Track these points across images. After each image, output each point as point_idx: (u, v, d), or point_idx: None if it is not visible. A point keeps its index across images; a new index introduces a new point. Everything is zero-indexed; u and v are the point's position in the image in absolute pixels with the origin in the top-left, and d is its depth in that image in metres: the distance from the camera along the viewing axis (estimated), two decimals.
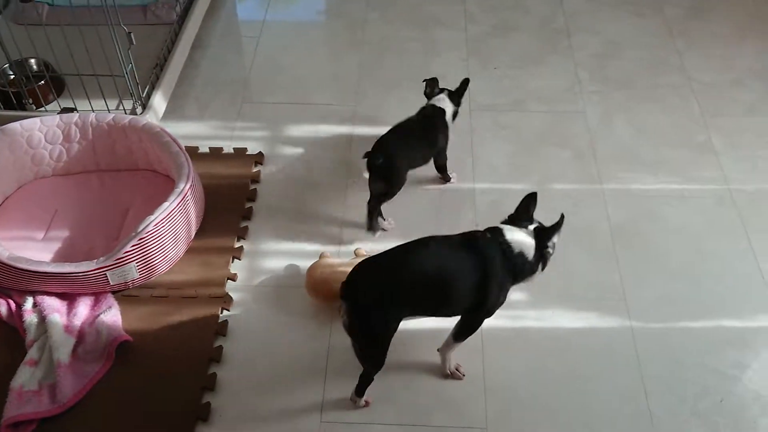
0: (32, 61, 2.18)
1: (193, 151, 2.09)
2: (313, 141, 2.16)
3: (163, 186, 1.92)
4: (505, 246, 1.44)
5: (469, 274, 1.42)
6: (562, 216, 1.46)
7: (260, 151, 2.11)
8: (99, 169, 2.01)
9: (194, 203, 1.81)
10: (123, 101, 2.08)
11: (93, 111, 2.05)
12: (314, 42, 2.53)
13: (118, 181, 1.99)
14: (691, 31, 2.54)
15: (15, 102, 2.07)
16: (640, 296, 1.75)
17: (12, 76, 2.17)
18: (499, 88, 2.33)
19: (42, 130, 1.93)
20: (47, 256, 1.78)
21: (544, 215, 1.83)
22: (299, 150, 2.13)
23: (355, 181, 2.02)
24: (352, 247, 1.85)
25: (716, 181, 2.03)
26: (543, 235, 1.47)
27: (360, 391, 1.54)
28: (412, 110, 2.20)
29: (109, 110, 2.07)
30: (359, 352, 1.47)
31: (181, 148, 1.85)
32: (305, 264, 1.75)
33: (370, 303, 1.39)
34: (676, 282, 1.78)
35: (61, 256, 1.79)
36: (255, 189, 2.00)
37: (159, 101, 2.12)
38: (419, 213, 1.95)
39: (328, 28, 2.61)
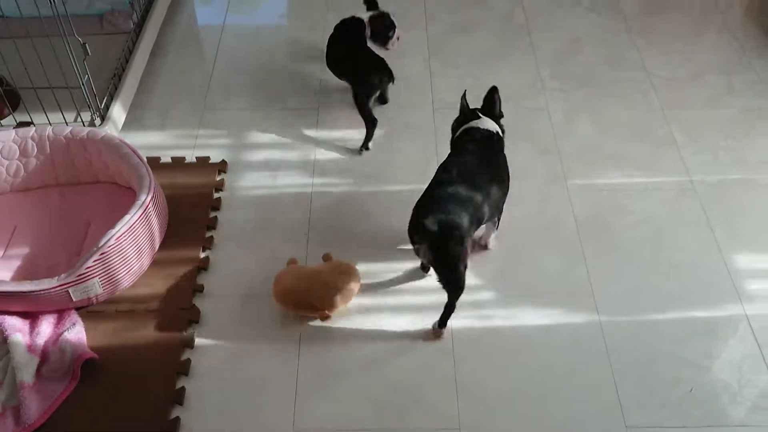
0: None
1: (155, 162, 2.06)
2: (276, 146, 2.14)
3: (125, 198, 1.89)
4: (495, 133, 1.75)
5: (490, 164, 1.71)
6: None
7: (223, 159, 2.08)
8: (59, 184, 1.97)
9: (157, 215, 1.78)
10: (81, 113, 2.05)
11: (50, 124, 2.01)
12: (275, 46, 2.51)
13: (78, 194, 1.95)
14: (648, 27, 2.57)
15: None
16: (607, 290, 1.76)
17: None
18: (462, 86, 2.31)
19: None
20: (7, 275, 1.74)
21: (512, 213, 1.83)
22: (263, 156, 2.11)
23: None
24: (319, 252, 1.83)
25: (678, 174, 2.05)
26: (500, 119, 1.83)
27: (443, 321, 1.65)
28: (376, 112, 2.19)
29: (66, 123, 2.03)
30: (446, 283, 1.61)
31: (141, 160, 1.82)
32: (273, 272, 1.73)
33: (441, 234, 1.53)
34: (643, 275, 1.80)
35: (21, 274, 1.75)
36: (219, 198, 1.98)
37: (118, 112, 2.08)
38: (381, 220, 1.93)
39: (288, 31, 2.59)
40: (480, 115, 1.80)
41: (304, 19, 2.62)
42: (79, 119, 2.05)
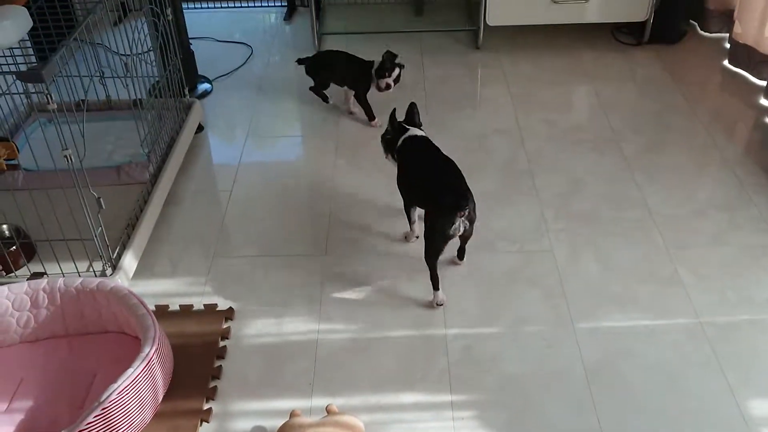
0: (3, 227, 2.21)
1: (163, 310, 2.09)
2: (283, 292, 2.16)
3: (131, 348, 1.90)
4: (425, 136, 2.27)
5: (441, 154, 2.18)
6: None
7: (230, 307, 2.10)
8: (68, 334, 1.99)
9: (161, 366, 1.78)
10: (93, 263, 2.10)
11: (63, 275, 2.06)
12: (285, 191, 2.59)
13: (86, 345, 1.97)
14: (649, 165, 2.63)
15: None
16: None
17: None
18: None
19: (10, 298, 1.93)
20: (9, 430, 1.73)
21: (518, 361, 1.83)
22: (269, 303, 2.13)
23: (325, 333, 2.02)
24: (323, 403, 1.81)
25: (686, 315, 2.04)
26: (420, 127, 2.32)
27: (462, 255, 2.22)
28: (381, 259, 2.24)
29: (79, 273, 2.07)
30: (468, 235, 2.13)
31: (147, 311, 1.85)
32: (275, 425, 1.71)
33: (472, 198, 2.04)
34: (655, 423, 1.75)
35: (23, 430, 1.74)
36: (225, 346, 1.98)
37: (129, 261, 2.13)
38: (387, 366, 1.92)
39: (298, 176, 2.68)
40: (407, 127, 2.27)
41: (311, 161, 2.72)
42: (91, 269, 2.10)
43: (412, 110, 2.30)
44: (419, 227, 2.25)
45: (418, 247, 2.30)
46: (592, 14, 3.26)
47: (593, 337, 1.98)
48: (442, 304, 2.09)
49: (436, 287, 2.09)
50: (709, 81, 3.15)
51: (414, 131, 2.27)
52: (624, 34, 3.47)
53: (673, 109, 2.95)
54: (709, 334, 1.97)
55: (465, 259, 2.24)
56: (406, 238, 2.34)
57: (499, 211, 2.44)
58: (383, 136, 2.33)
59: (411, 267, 2.23)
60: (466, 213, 2.01)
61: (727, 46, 3.29)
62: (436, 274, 2.07)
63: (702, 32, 3.46)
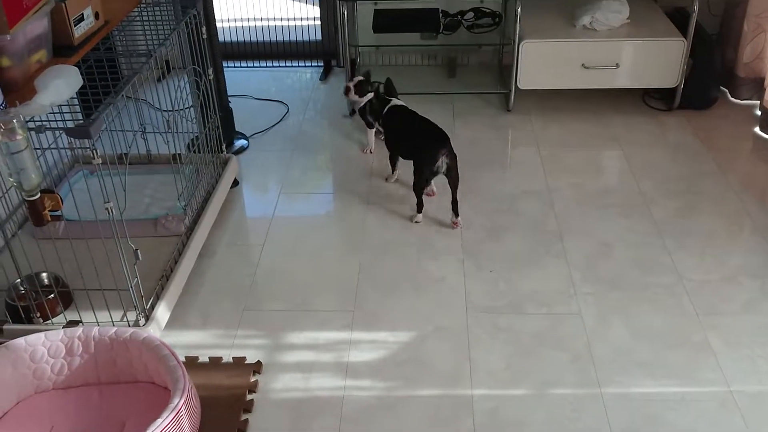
0: (43, 275, 2.28)
1: (192, 361, 2.12)
2: (310, 347, 2.18)
3: (161, 398, 1.92)
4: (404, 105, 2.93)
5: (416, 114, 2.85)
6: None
7: (259, 360, 2.13)
8: (99, 383, 2.03)
9: (189, 418, 1.80)
10: (127, 313, 2.14)
11: (98, 324, 2.10)
12: (316, 246, 2.63)
13: (117, 394, 2.00)
14: (679, 231, 2.63)
15: (23, 316, 2.14)
16: None
17: (22, 291, 2.25)
18: (495, 290, 2.38)
19: (45, 345, 1.97)
20: None
21: (543, 428, 1.82)
22: (296, 357, 2.15)
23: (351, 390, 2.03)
24: None
25: (717, 383, 2.01)
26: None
27: (456, 211, 2.68)
28: (410, 313, 2.26)
29: (113, 322, 2.12)
30: (455, 178, 2.65)
31: (178, 362, 1.88)
32: None
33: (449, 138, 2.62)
34: None
35: None
36: (252, 400, 2.00)
37: (162, 312, 2.18)
38: (413, 426, 1.92)
39: (329, 230, 2.73)
40: (389, 98, 2.93)
41: (343, 219, 2.77)
42: (125, 319, 2.15)
43: (390, 84, 2.99)
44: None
45: (448, 305, 2.32)
46: (622, 80, 3.31)
47: (621, 403, 1.96)
48: (419, 222, 2.72)
49: (419, 211, 2.74)
50: (740, 147, 3.16)
51: (395, 101, 2.92)
52: (654, 99, 3.51)
53: (704, 175, 2.96)
54: (740, 402, 1.94)
55: (492, 321, 2.25)
56: (387, 179, 2.98)
57: (528, 273, 2.45)
58: (370, 109, 3.02)
59: (439, 324, 2.24)
60: (447, 150, 2.58)
61: (758, 113, 3.31)
62: (422, 201, 2.72)
63: (733, 99, 3.49)
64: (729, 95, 3.51)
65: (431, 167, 2.61)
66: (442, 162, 2.58)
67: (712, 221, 2.69)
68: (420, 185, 2.68)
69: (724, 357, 2.10)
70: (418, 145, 2.68)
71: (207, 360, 2.14)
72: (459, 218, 2.69)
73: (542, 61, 3.28)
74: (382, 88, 2.99)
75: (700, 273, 2.43)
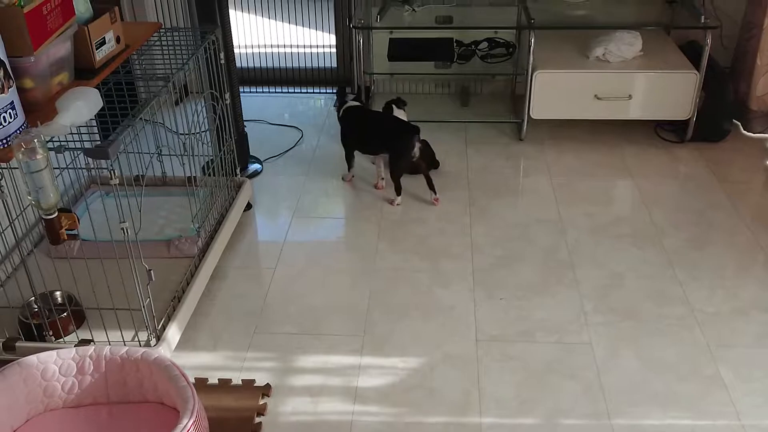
0: (57, 293, 2.30)
1: (202, 383, 2.13)
2: (320, 371, 2.18)
3: (169, 419, 1.92)
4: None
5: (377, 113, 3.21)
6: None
7: (268, 383, 2.13)
8: (109, 402, 2.03)
9: None
10: (138, 333, 2.16)
11: (109, 343, 2.12)
12: (327, 271, 2.64)
13: (126, 413, 2.00)
14: (691, 262, 2.63)
15: (36, 334, 2.16)
16: None
17: (36, 309, 2.27)
18: (506, 318, 2.38)
19: (57, 363, 1.98)
20: None
21: None
22: (306, 381, 2.15)
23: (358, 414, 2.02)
24: None
25: (728, 417, 2.00)
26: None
27: (434, 188, 3.00)
28: (420, 339, 2.26)
29: (124, 342, 2.14)
30: (430, 161, 3.13)
31: (188, 382, 1.88)
32: None
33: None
34: None
35: None
36: (260, 422, 2.00)
37: (173, 333, 2.19)
38: None
39: (340, 255, 2.74)
40: (351, 101, 3.11)
41: (354, 246, 2.78)
42: (136, 338, 2.16)
43: (360, 90, 3.35)
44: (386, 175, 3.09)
45: (458, 333, 2.32)
46: (635, 111, 3.33)
47: None
48: (399, 204, 2.98)
49: (398, 194, 2.99)
50: (752, 180, 3.16)
51: (351, 102, 3.10)
52: (667, 131, 3.52)
53: (716, 207, 2.96)
54: None
55: (502, 349, 2.24)
56: (344, 178, 3.21)
57: (539, 302, 2.45)
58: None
59: (449, 351, 2.24)
60: (419, 138, 2.88)
61: None
62: (400, 185, 2.98)
63: (745, 132, 3.50)
64: (742, 128, 3.52)
65: (408, 155, 2.91)
66: (417, 149, 2.90)
67: (724, 253, 2.68)
68: (398, 173, 2.98)
69: (735, 390, 2.08)
70: (392, 138, 2.95)
71: (216, 382, 2.14)
72: (437, 195, 3.00)
73: (555, 92, 3.31)
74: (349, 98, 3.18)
75: (711, 305, 2.42)
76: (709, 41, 3.18)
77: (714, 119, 3.38)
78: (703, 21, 3.23)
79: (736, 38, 3.55)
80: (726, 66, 3.58)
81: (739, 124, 3.53)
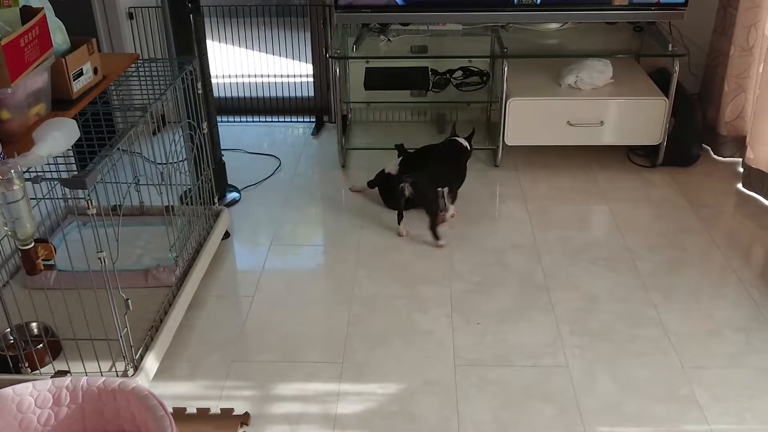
0: (33, 324, 2.28)
1: (180, 412, 2.12)
2: (298, 399, 2.18)
3: None
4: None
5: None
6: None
7: (246, 411, 2.12)
8: None
9: None
10: (116, 363, 2.15)
11: (86, 373, 2.10)
12: (305, 299, 2.65)
13: None
14: (664, 285, 2.67)
15: (11, 365, 2.14)
16: None
17: (11, 341, 2.25)
18: (483, 343, 2.40)
19: (33, 395, 1.96)
20: None
21: None
22: (284, 409, 2.15)
23: None
24: None
25: None
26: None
27: (436, 234, 2.94)
28: (399, 366, 2.27)
29: (101, 373, 2.12)
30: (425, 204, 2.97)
31: (166, 412, 1.87)
32: None
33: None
34: None
35: None
36: None
37: (151, 363, 2.18)
38: None
39: (319, 283, 2.75)
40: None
41: (332, 273, 2.79)
42: (113, 368, 2.15)
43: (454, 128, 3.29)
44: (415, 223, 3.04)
45: (436, 358, 2.33)
46: (607, 137, 3.40)
47: None
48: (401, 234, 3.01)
49: (399, 222, 3.03)
50: (723, 203, 3.23)
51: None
52: (639, 156, 3.59)
53: (688, 230, 3.01)
54: None
55: (480, 374, 2.26)
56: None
57: (516, 326, 2.47)
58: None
59: (427, 377, 2.25)
60: (409, 182, 2.90)
61: (741, 170, 3.39)
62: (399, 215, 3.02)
63: (715, 156, 3.58)
64: (712, 153, 3.60)
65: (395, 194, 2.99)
66: (406, 188, 2.91)
67: (697, 276, 2.73)
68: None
69: (710, 411, 2.11)
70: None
71: (195, 411, 2.13)
72: (441, 241, 2.93)
73: (529, 119, 3.37)
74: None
75: (685, 326, 2.46)
76: (677, 68, 3.27)
77: (684, 144, 3.46)
78: (671, 49, 3.31)
79: (703, 65, 3.64)
80: (695, 92, 3.67)
81: (710, 148, 3.61)
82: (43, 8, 2.01)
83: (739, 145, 3.45)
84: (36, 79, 1.99)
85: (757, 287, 2.65)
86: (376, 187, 3.24)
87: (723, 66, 3.41)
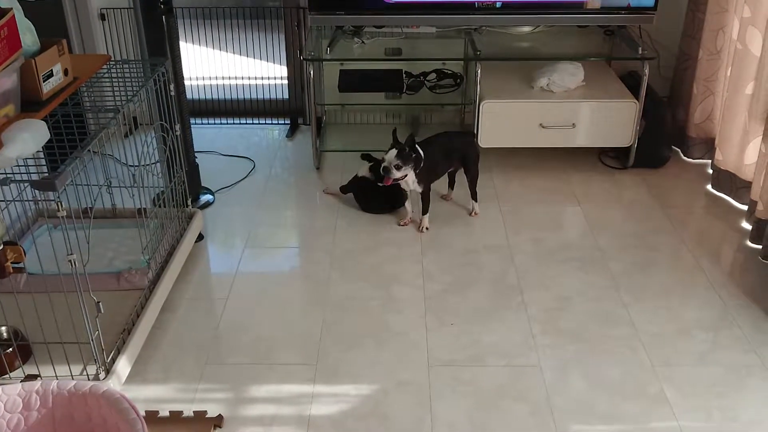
0: (2, 328, 2.26)
1: (152, 416, 2.11)
2: (272, 401, 2.18)
3: None
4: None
5: None
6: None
7: (220, 414, 2.12)
8: None
9: None
10: (87, 367, 2.13)
11: (57, 377, 2.08)
12: (279, 301, 2.64)
13: None
14: (635, 285, 2.71)
15: None
16: None
17: None
18: (457, 343, 2.42)
19: (2, 399, 1.94)
20: None
21: None
22: (258, 411, 2.15)
23: None
24: None
25: None
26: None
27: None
28: (373, 366, 2.27)
29: (72, 376, 2.10)
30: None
31: (138, 416, 1.86)
32: None
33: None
34: None
35: None
36: None
37: (123, 366, 2.16)
38: None
39: (293, 285, 2.75)
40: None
41: (306, 275, 2.79)
42: (85, 372, 2.13)
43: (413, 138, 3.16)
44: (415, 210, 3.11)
45: (410, 359, 2.34)
46: (579, 139, 3.43)
47: None
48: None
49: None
50: (693, 204, 3.28)
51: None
52: (610, 158, 3.63)
53: (659, 231, 3.06)
54: None
55: (454, 374, 2.27)
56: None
57: (489, 326, 2.49)
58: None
59: (401, 378, 2.26)
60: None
61: (710, 171, 3.44)
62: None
63: (685, 158, 3.63)
64: (681, 154, 3.65)
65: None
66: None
67: (667, 276, 2.77)
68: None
69: (679, 408, 2.15)
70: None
71: (167, 414, 2.12)
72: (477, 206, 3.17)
73: (502, 121, 3.39)
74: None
75: (655, 326, 2.49)
76: (647, 71, 3.31)
77: (654, 146, 3.51)
78: (641, 52, 3.36)
79: (673, 68, 3.70)
80: (664, 95, 3.72)
81: (679, 150, 3.66)
82: (12, 9, 1.99)
83: (708, 146, 3.51)
84: (4, 80, 1.96)
85: (725, 287, 2.69)
86: (350, 192, 3.25)
87: (692, 69, 3.46)
